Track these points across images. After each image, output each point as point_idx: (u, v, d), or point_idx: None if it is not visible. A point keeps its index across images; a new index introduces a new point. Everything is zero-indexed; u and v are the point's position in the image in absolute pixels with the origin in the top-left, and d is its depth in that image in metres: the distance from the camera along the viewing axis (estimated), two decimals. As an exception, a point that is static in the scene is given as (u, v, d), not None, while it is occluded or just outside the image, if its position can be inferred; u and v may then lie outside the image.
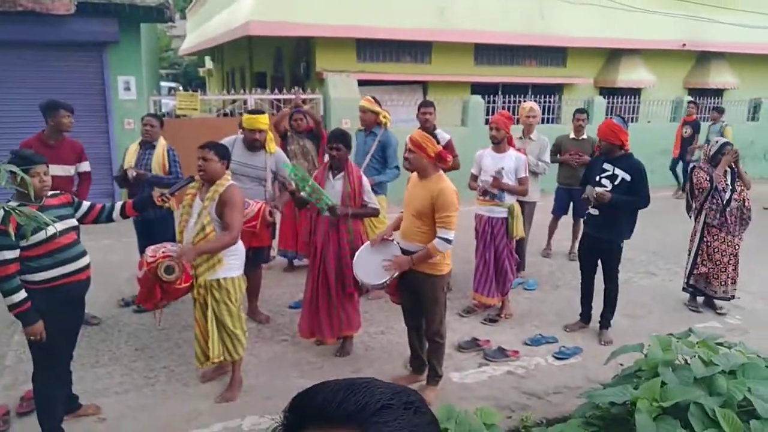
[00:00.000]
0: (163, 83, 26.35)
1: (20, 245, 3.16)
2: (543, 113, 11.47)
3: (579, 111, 7.08)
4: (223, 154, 3.99)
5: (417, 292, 3.97)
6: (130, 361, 4.56)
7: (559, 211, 7.17)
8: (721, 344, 3.43)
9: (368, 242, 4.18)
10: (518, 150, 5.86)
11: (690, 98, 13.08)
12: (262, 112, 4.96)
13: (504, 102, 11.51)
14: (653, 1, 13.11)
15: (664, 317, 5.60)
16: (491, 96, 11.82)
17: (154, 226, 5.23)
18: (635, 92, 13.63)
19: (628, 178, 4.83)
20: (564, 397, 4.17)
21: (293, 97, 6.58)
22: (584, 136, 6.99)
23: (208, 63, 27.86)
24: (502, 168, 5.22)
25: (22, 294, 3.18)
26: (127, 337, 4.95)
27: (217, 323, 3.95)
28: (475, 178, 5.44)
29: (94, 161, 8.75)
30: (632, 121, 12.88)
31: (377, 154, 5.68)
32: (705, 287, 5.65)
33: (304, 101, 8.69)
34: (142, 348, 4.77)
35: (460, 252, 6.22)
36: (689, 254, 5.74)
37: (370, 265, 3.99)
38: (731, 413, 2.71)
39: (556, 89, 13.28)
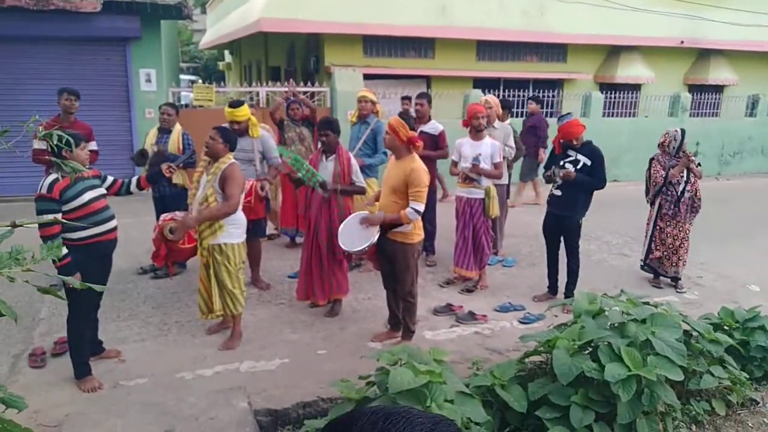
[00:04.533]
0: (184, 76, 27.26)
1: (62, 209, 3.85)
2: (543, 107, 12.01)
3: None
4: (228, 138, 4.66)
5: (391, 259, 4.60)
6: (146, 316, 5.26)
7: None
8: (647, 303, 4.02)
9: (352, 215, 4.81)
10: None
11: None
12: (242, 104, 5.50)
13: (506, 96, 12.02)
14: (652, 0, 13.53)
15: (627, 290, 6.14)
16: (493, 90, 12.33)
17: (168, 202, 5.93)
18: (635, 88, 14.06)
19: (588, 162, 5.42)
20: (521, 353, 4.76)
21: (293, 89, 7.21)
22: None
23: (228, 57, 28.65)
24: (479, 154, 5.81)
25: (64, 250, 3.86)
26: (144, 298, 5.66)
27: (217, 282, 4.62)
28: (455, 164, 6.03)
29: (117, 147, 9.58)
30: (630, 116, 13.36)
31: (369, 140, 6.30)
32: (658, 267, 6.21)
33: (312, 94, 9.37)
34: (157, 306, 5.47)
35: (445, 232, 6.87)
36: (645, 237, 6.29)
37: (353, 235, 4.62)
38: (634, 350, 3.31)
39: (556, 84, 13.78)
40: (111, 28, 9.12)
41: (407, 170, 4.39)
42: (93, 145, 5.94)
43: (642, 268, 6.37)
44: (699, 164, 6.11)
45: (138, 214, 7.66)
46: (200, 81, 22.82)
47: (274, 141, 5.86)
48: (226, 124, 5.17)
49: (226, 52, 28.30)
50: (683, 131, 6.06)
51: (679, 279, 6.22)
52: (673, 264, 6.13)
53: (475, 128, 5.83)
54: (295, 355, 4.65)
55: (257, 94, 10.66)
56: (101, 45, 9.38)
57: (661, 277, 6.35)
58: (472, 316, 5.32)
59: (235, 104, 5.46)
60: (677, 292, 6.20)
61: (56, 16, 8.57)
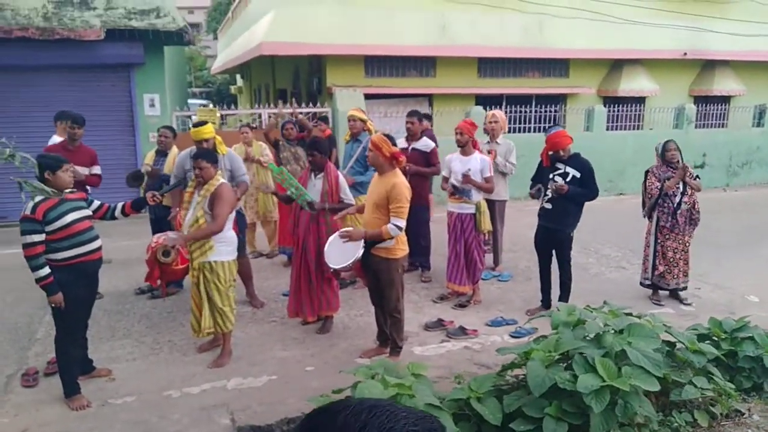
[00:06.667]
0: (194, 100, 27.73)
1: (45, 230, 3.94)
2: (545, 122, 12.04)
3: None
4: (213, 158, 4.76)
5: (376, 274, 4.63)
6: (140, 336, 5.33)
7: None
8: (629, 314, 4.00)
9: (336, 233, 4.85)
10: (489, 152, 6.50)
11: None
12: (205, 123, 5.55)
13: (508, 112, 12.07)
14: (653, 13, 13.56)
15: (623, 305, 6.08)
16: (496, 107, 12.39)
17: (164, 223, 6.03)
18: (639, 101, 14.03)
19: (578, 174, 5.43)
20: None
21: (297, 110, 7.37)
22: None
23: (239, 81, 29.14)
24: (469, 169, 5.84)
25: (47, 270, 3.95)
26: (140, 318, 5.73)
27: (208, 300, 4.68)
28: (446, 180, 6.07)
29: (122, 170, 9.71)
30: (636, 129, 13.31)
31: (361, 158, 6.37)
32: (659, 281, 6.14)
33: (314, 115, 9.49)
34: (151, 326, 5.54)
35: (440, 247, 6.88)
36: (645, 253, 6.22)
37: (338, 251, 4.66)
38: (609, 361, 3.29)
39: (559, 99, 13.81)
40: (115, 55, 9.36)
41: (389, 186, 4.44)
42: (97, 169, 6.08)
43: (647, 284, 6.26)
44: (697, 177, 6.03)
45: (136, 235, 7.81)
46: (210, 104, 23.27)
47: (241, 160, 5.92)
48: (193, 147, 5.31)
49: (238, 77, 28.79)
50: (669, 141, 6.03)
51: (681, 290, 6.13)
52: (675, 276, 6.05)
53: (457, 143, 5.88)
54: (284, 371, 4.68)
55: (259, 116, 10.83)
56: (106, 71, 9.62)
57: (660, 292, 6.27)
58: (462, 331, 5.31)
59: (199, 124, 5.55)
60: (683, 304, 6.10)
61: (61, 44, 8.83)
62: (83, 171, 5.83)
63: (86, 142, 6.63)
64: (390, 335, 4.80)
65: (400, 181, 4.48)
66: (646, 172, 6.17)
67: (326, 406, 0.79)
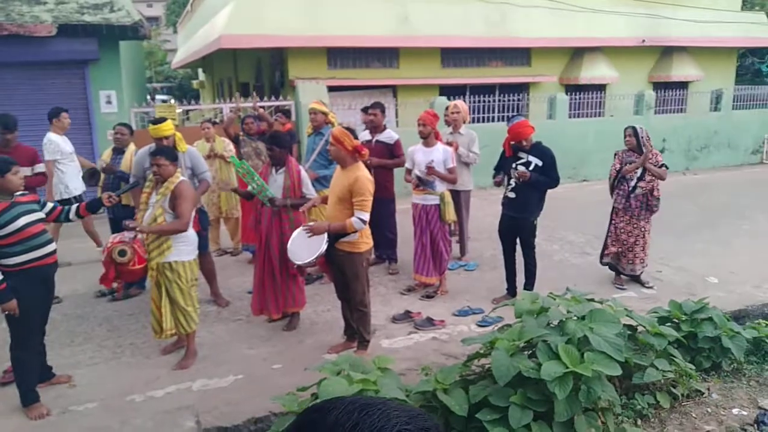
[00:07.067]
0: (157, 96, 27.21)
1: (-3, 234, 3.79)
2: (508, 111, 12.12)
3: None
4: (172, 156, 4.64)
5: (341, 268, 4.59)
6: (101, 340, 5.20)
7: None
8: (591, 300, 4.05)
9: (299, 228, 4.78)
10: (451, 143, 6.49)
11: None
12: (164, 120, 5.44)
13: (472, 102, 12.11)
14: (612, 1, 13.72)
15: (586, 290, 6.18)
16: (459, 97, 12.42)
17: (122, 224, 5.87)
18: (600, 88, 14.22)
19: (540, 163, 5.46)
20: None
21: (258, 103, 7.27)
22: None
23: (201, 75, 28.64)
24: (432, 161, 5.83)
25: (-1, 276, 3.81)
26: (101, 321, 5.59)
27: (170, 301, 4.58)
28: (409, 171, 6.05)
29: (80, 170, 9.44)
30: (597, 116, 13.50)
31: (324, 151, 6.30)
32: (617, 264, 6.24)
33: (276, 108, 9.39)
34: (112, 329, 5.40)
35: (407, 239, 6.87)
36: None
37: (302, 247, 4.60)
38: (571, 347, 3.32)
39: (522, 88, 13.89)
40: (68, 51, 9.05)
41: (351, 179, 4.39)
42: (40, 167, 5.88)
43: (602, 264, 6.39)
44: (663, 165, 6.01)
45: (100, 237, 7.58)
46: (172, 100, 22.91)
47: (202, 157, 5.81)
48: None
49: (200, 71, 28.29)
50: (627, 128, 6.11)
51: (638, 276, 6.24)
52: (630, 261, 6.16)
53: (420, 135, 5.86)
54: (250, 370, 4.61)
55: (221, 110, 10.64)
56: (59, 68, 9.31)
57: (623, 276, 6.38)
58: (430, 322, 5.32)
59: (158, 121, 5.42)
60: (645, 287, 6.22)
61: (11, 41, 8.51)
62: (25, 171, 5.65)
63: (41, 143, 6.44)
64: (357, 329, 4.77)
65: (362, 174, 4.43)
66: (615, 155, 6.26)
67: (318, 404, 0.79)
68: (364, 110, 7.85)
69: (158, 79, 38.74)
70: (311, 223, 4.62)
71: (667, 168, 6.09)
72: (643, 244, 6.12)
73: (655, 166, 5.97)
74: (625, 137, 6.07)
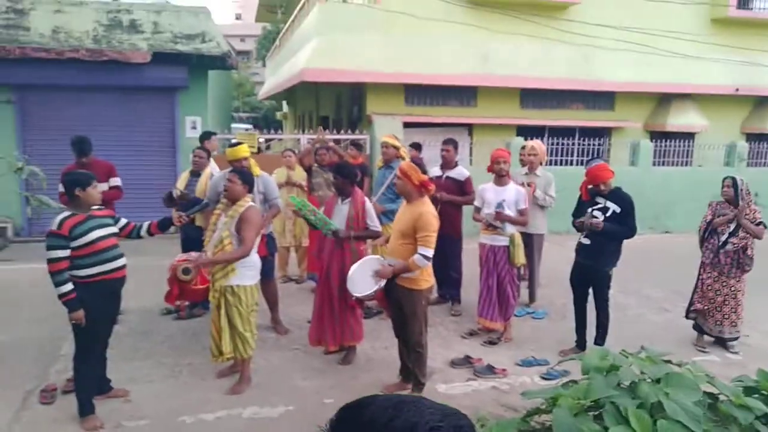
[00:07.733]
0: (238, 125, 28.46)
1: (71, 246, 3.93)
2: (588, 155, 11.73)
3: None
4: (246, 180, 4.70)
5: (399, 305, 4.46)
6: (161, 357, 5.27)
7: None
8: (669, 362, 3.70)
9: (362, 259, 4.71)
10: (529, 184, 6.29)
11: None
12: (242, 143, 5.55)
13: (550, 144, 11.82)
14: (703, 46, 13.16)
15: (663, 350, 5.73)
16: (538, 138, 12.15)
17: (196, 243, 5.99)
18: (688, 136, 13.55)
19: (618, 209, 5.17)
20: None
21: (321, 136, 7.37)
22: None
23: (285, 107, 29.68)
24: (503, 200, 5.64)
25: (69, 286, 3.93)
26: (163, 339, 5.68)
27: (228, 324, 4.58)
28: (478, 210, 5.88)
29: (161, 191, 9.89)
30: (684, 165, 12.84)
31: (392, 185, 6.24)
32: (703, 324, 5.77)
33: (352, 141, 9.48)
34: (173, 348, 5.47)
35: (473, 280, 6.66)
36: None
37: (362, 279, 4.52)
38: (643, 413, 3.02)
39: (604, 132, 13.46)
40: (160, 78, 9.58)
41: (416, 214, 4.29)
42: (116, 181, 6.11)
43: (687, 318, 5.92)
44: (761, 223, 5.54)
45: (168, 255, 7.81)
46: (252, 128, 23.96)
47: (275, 183, 5.90)
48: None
49: (284, 103, 29.32)
50: (726, 178, 5.70)
51: (723, 339, 5.74)
52: (718, 322, 5.68)
53: (497, 173, 5.70)
54: (301, 402, 4.52)
55: (298, 141, 10.89)
56: (150, 93, 9.85)
57: (706, 337, 5.89)
58: (490, 370, 5.07)
59: (235, 145, 5.54)
60: (730, 352, 5.72)
61: (109, 66, 9.09)
62: (101, 187, 5.90)
63: (128, 163, 6.76)
64: (412, 370, 4.59)
65: (427, 209, 4.33)
66: (709, 205, 5.87)
67: (356, 401, 0.81)
68: (414, 146, 7.79)
69: (245, 109, 40.56)
70: (375, 256, 4.54)
71: (766, 227, 5.61)
72: (735, 305, 5.63)
73: (752, 222, 5.51)
74: (722, 187, 5.67)
